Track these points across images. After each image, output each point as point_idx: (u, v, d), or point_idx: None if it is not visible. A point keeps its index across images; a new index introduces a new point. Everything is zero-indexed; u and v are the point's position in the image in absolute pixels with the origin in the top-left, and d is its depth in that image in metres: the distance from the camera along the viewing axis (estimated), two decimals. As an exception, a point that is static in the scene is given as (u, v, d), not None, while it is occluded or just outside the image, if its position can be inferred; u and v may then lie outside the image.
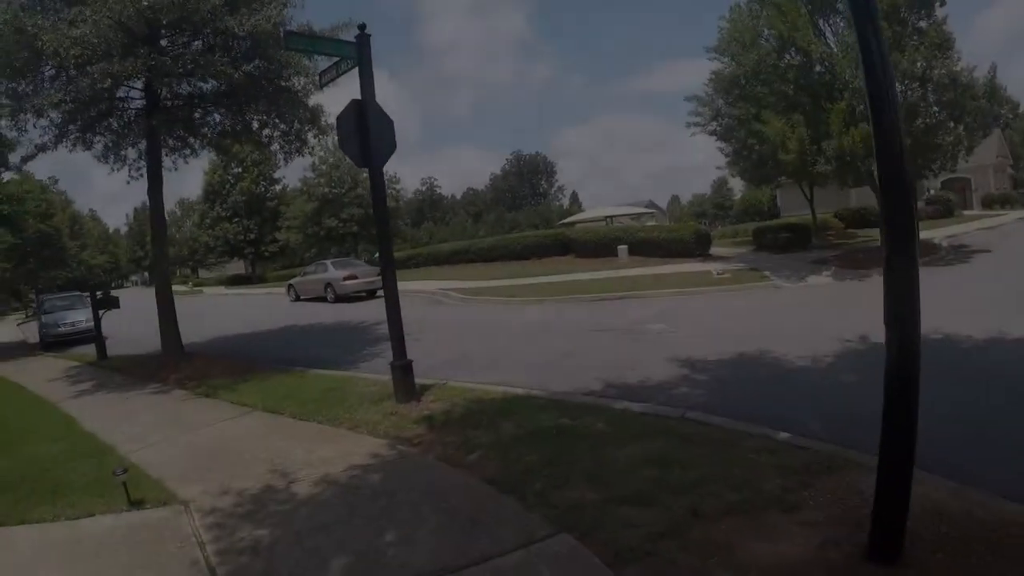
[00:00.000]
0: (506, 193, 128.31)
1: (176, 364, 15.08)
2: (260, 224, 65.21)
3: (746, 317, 16.71)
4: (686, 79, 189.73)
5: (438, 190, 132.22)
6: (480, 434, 7.55)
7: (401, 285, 31.07)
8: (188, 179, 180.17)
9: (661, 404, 8.69)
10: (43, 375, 17.13)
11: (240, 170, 63.48)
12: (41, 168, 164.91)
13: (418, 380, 9.95)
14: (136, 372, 15.54)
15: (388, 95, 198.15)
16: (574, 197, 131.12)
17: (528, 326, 18.00)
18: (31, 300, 47.62)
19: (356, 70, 9.41)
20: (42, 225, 45.45)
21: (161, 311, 16.36)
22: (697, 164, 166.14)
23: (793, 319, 15.87)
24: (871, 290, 19.19)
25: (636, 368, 11.17)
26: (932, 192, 52.07)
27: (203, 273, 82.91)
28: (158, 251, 16.95)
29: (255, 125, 16.67)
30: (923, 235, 27.85)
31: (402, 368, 9.34)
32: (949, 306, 14.08)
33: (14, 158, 18.54)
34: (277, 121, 16.42)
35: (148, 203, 16.58)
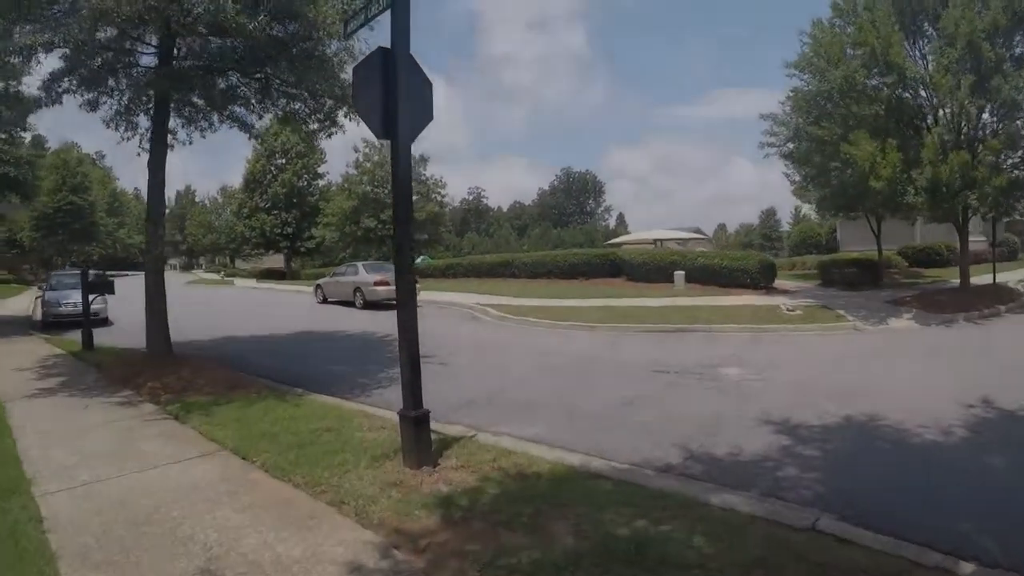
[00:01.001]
0: (553, 209, 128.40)
1: (161, 367, 12.61)
2: (299, 219, 62.95)
3: (835, 366, 13.95)
4: (736, 108, 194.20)
5: (485, 201, 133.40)
6: (519, 541, 4.96)
7: (436, 295, 28.42)
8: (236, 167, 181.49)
9: (772, 496, 6.28)
10: (15, 362, 14.93)
11: (283, 161, 61.55)
12: (91, 141, 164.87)
13: (438, 425, 7.60)
14: (115, 371, 13.25)
15: (445, 102, 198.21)
16: (620, 218, 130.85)
17: (577, 358, 15.27)
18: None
19: (388, 13, 6.87)
20: (75, 197, 43.84)
21: (149, 302, 13.96)
22: (744, 194, 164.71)
23: (891, 372, 13.16)
24: (964, 339, 17.98)
25: (720, 430, 8.75)
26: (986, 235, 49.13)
27: (240, 264, 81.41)
28: (152, 231, 14.48)
29: (279, 98, 14.31)
30: (998, 277, 26.84)
31: (415, 422, 6.62)
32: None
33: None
34: (305, 95, 14.02)
35: (148, 174, 14.15)
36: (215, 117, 15.13)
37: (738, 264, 27.52)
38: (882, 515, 5.71)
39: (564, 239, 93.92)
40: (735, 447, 7.96)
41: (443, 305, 27.87)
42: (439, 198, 51.84)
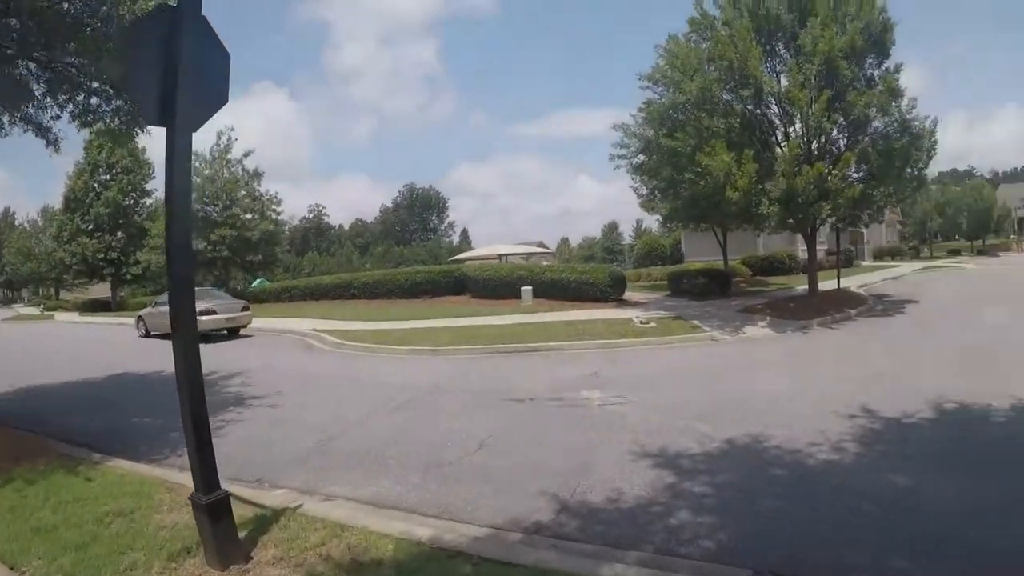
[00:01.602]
0: (396, 227, 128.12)
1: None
2: (124, 242, 55.98)
3: (701, 382, 13.34)
4: (582, 128, 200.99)
5: (326, 219, 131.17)
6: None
7: (270, 322, 26.01)
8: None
9: (671, 553, 5.52)
10: None
11: (108, 177, 55.31)
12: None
13: (257, 493, 6.50)
14: None
15: (287, 116, 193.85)
16: (464, 234, 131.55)
17: (422, 390, 13.71)
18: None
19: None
20: None
21: None
22: (587, 209, 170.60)
23: (760, 384, 12.66)
24: (823, 345, 18.16)
25: (592, 469, 7.81)
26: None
27: (64, 295, 73.95)
28: None
29: (73, 91, 11.97)
30: (841, 283, 28.18)
31: (209, 510, 4.95)
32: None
33: None
34: (108, 89, 11.78)
35: None
36: (4, 119, 12.53)
37: (587, 277, 27.07)
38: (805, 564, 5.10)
39: (407, 257, 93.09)
40: (613, 490, 7.02)
41: (276, 333, 25.84)
42: (274, 215, 48.09)
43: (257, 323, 27.36)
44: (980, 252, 74.58)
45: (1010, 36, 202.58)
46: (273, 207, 46.44)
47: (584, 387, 12.63)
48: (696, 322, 20.97)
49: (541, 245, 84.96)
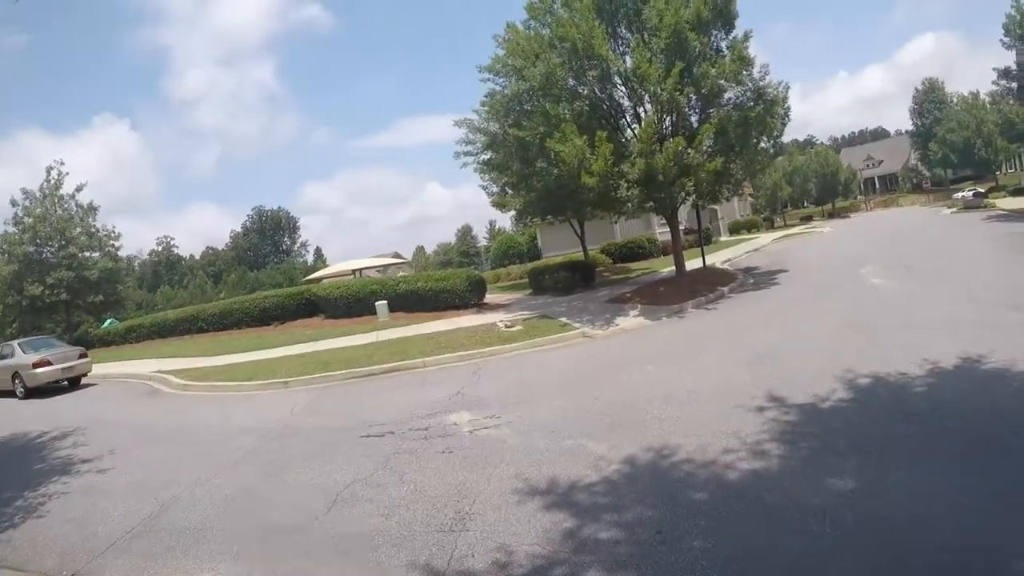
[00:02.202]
0: (248, 251, 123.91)
1: None
2: None
3: (581, 387, 12.04)
4: (426, 134, 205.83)
5: (175, 250, 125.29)
6: None
7: (114, 367, 22.63)
8: None
9: None
10: None
11: None
12: None
13: None
14: None
15: (129, 149, 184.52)
16: (318, 253, 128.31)
17: (272, 433, 11.92)
18: None
19: None
20: None
21: None
22: (440, 215, 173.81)
23: (649, 382, 11.55)
24: (703, 328, 17.27)
25: (470, 521, 6.61)
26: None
27: None
28: None
29: None
30: (702, 261, 28.32)
31: None
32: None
33: None
34: None
35: None
36: None
37: (445, 285, 25.54)
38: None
39: (263, 281, 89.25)
40: (500, 548, 5.84)
41: (119, 379, 22.95)
42: (113, 251, 43.53)
43: (100, 369, 24.74)
44: (831, 215, 78.58)
45: (830, 11, 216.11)
46: (112, 242, 42.37)
47: (451, 409, 11.29)
48: (564, 319, 19.95)
49: (397, 255, 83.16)
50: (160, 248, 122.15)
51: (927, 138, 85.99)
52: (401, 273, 43.56)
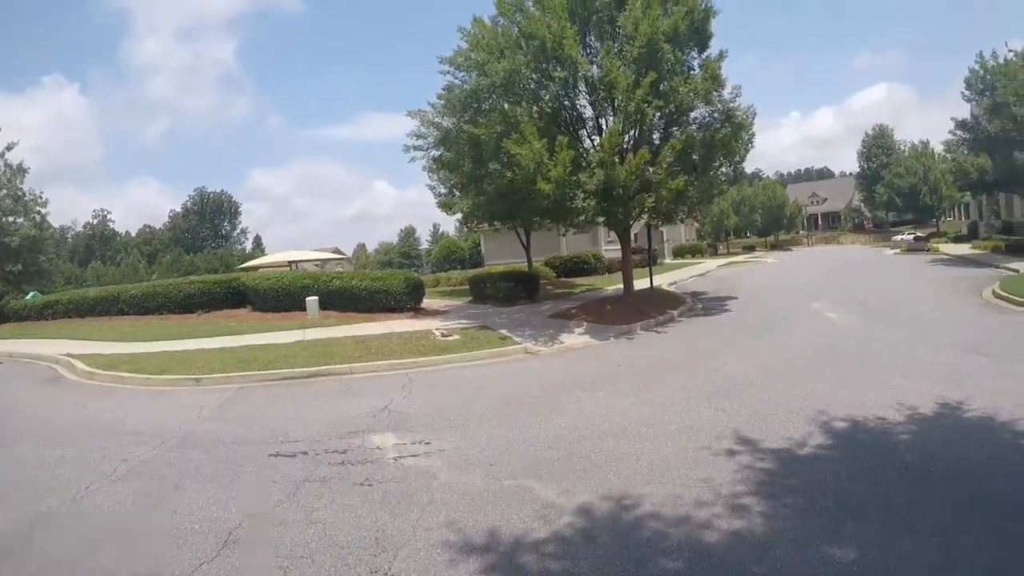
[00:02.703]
0: (186, 233, 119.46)
1: None
2: None
3: (524, 413, 10.70)
4: (380, 132, 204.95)
5: (111, 225, 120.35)
6: None
7: (22, 345, 20.02)
8: None
9: None
10: None
11: None
12: None
13: None
14: None
15: (76, 114, 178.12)
16: (257, 241, 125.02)
17: (171, 441, 10.25)
18: None
19: None
20: None
21: None
22: (385, 214, 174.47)
23: (601, 413, 10.31)
24: (656, 353, 16.18)
25: None
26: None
27: None
28: None
29: None
30: (649, 281, 26.99)
31: None
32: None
33: None
34: None
35: None
36: None
37: (381, 285, 24.10)
38: None
39: (198, 265, 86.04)
40: None
41: (25, 359, 20.76)
42: (38, 218, 40.15)
43: (6, 346, 22.94)
44: (774, 247, 79.69)
45: (796, 49, 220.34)
46: (38, 208, 39.28)
47: (375, 429, 9.93)
48: (505, 332, 18.76)
49: (337, 251, 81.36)
50: (96, 221, 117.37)
51: (872, 181, 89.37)
52: (339, 269, 41.92)
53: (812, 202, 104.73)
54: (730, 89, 21.29)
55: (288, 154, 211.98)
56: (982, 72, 37.99)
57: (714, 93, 20.55)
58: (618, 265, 43.07)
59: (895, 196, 74.40)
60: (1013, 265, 30.75)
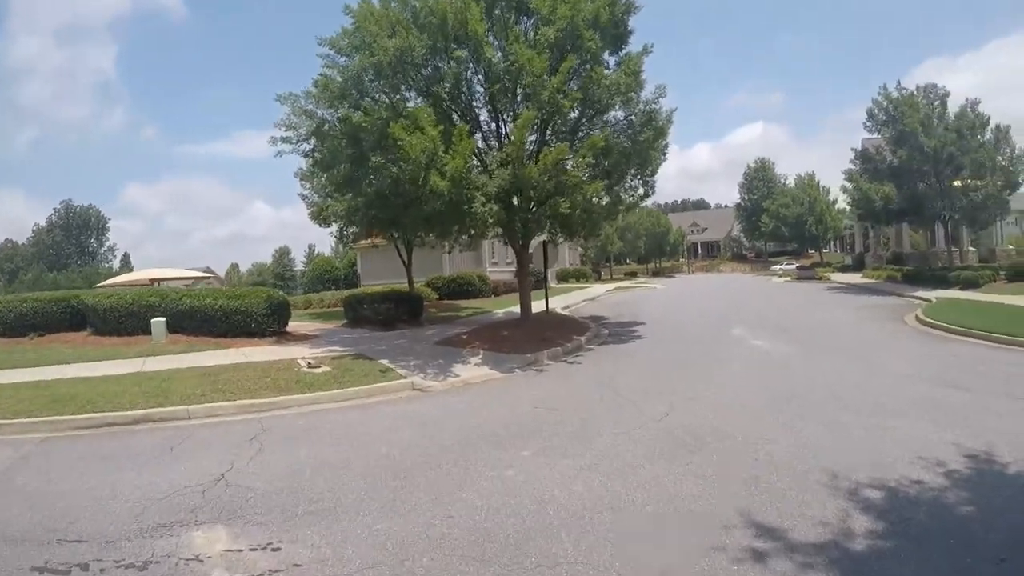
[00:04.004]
0: (50, 249, 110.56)
1: None
2: None
3: (416, 484, 7.55)
4: (262, 150, 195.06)
5: None
6: None
7: None
8: None
9: None
10: None
11: None
12: None
13: None
14: None
15: None
16: (126, 259, 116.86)
17: None
18: None
19: None
20: None
21: None
22: (262, 235, 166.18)
23: (528, 483, 7.35)
24: (576, 392, 13.04)
25: None
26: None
27: None
28: None
29: None
30: (545, 304, 24.59)
31: None
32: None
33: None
34: None
35: None
36: None
37: (238, 305, 20.37)
38: None
39: (62, 283, 78.68)
40: None
41: None
42: None
43: None
44: (656, 273, 79.70)
45: (673, 87, 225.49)
46: None
47: (200, 519, 6.58)
48: (387, 362, 15.50)
49: (208, 271, 76.26)
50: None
51: (752, 212, 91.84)
52: (201, 287, 37.57)
53: (693, 231, 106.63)
54: (654, 88, 18.93)
55: (163, 169, 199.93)
56: (885, 103, 38.37)
57: (634, 93, 18.09)
58: (504, 288, 40.71)
59: (781, 225, 76.10)
60: (919, 294, 30.22)
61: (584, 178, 16.39)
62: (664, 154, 19.85)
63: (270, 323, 20.23)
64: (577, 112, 18.00)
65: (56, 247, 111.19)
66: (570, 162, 16.71)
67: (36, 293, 27.70)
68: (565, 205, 16.20)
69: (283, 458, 8.79)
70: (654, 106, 18.83)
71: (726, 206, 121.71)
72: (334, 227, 29.56)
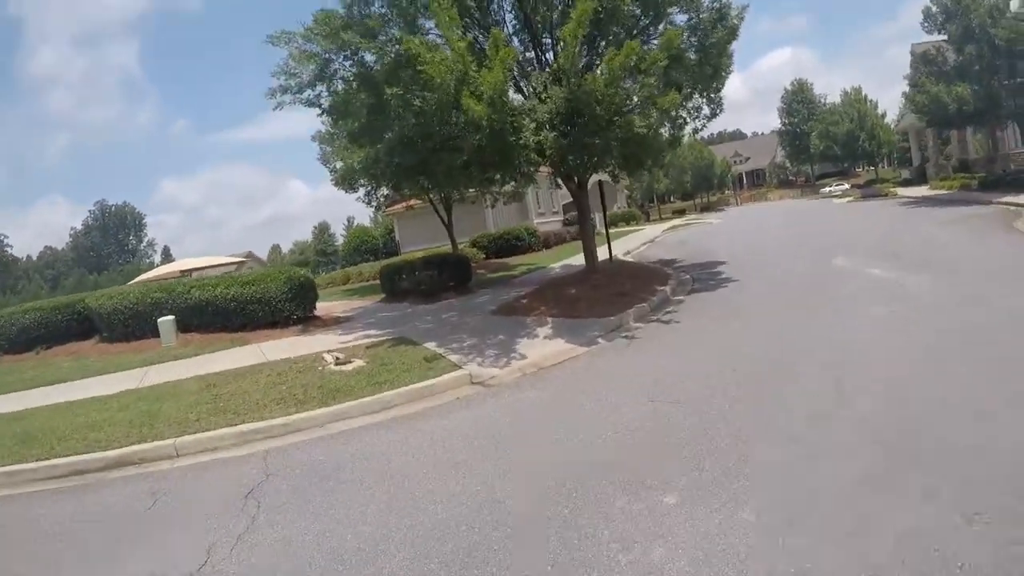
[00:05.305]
0: (89, 252, 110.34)
1: None
2: None
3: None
4: (291, 129, 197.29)
5: (8, 250, 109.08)
6: None
7: None
8: None
9: None
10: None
11: None
12: None
13: None
14: None
15: None
16: (166, 252, 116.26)
17: None
18: None
19: None
20: None
21: None
22: (300, 213, 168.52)
23: (652, 563, 4.16)
24: (691, 368, 9.22)
25: None
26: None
27: None
28: None
29: None
30: (608, 252, 20.69)
31: None
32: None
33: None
34: None
35: None
36: None
37: (254, 291, 17.00)
38: None
39: (103, 285, 77.29)
40: None
41: None
42: None
43: None
44: (705, 208, 75.81)
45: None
46: None
47: None
48: (434, 345, 12.14)
49: (251, 255, 73.94)
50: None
51: (795, 136, 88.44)
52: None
53: (736, 161, 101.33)
54: None
55: (196, 161, 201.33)
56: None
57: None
58: (554, 239, 37.16)
59: (832, 144, 71.20)
60: (1007, 199, 26.20)
61: (654, 90, 12.59)
62: (732, 64, 16.09)
63: (293, 309, 16.88)
64: (639, 8, 14.23)
65: (95, 249, 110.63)
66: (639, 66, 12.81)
67: (38, 301, 24.44)
68: (640, 123, 12.37)
69: (285, 536, 5.56)
70: (724, 0, 15.01)
71: (762, 134, 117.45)
72: (361, 192, 26.32)
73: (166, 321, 16.98)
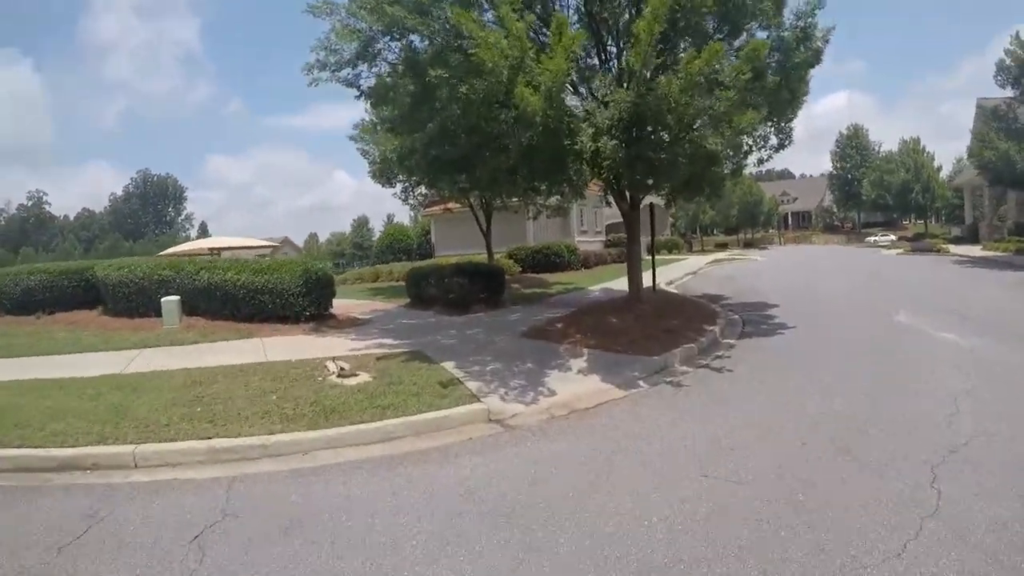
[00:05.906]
0: (127, 218, 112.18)
1: None
2: None
3: None
4: (341, 120, 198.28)
5: (47, 208, 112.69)
6: None
7: None
8: None
9: None
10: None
11: None
12: None
13: None
14: None
15: (29, 91, 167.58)
16: (203, 228, 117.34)
17: None
18: None
19: None
20: None
21: None
22: (342, 204, 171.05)
23: None
24: (753, 435, 7.54)
25: None
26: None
27: None
28: None
29: None
30: (652, 280, 19.30)
31: None
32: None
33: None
34: None
35: None
36: None
37: (267, 281, 15.68)
38: None
39: (136, 252, 77.72)
40: None
41: None
42: None
43: None
44: (747, 244, 74.31)
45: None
46: None
47: None
48: (452, 366, 10.74)
49: (287, 241, 73.42)
50: (30, 203, 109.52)
51: (846, 181, 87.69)
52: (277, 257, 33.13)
53: (783, 200, 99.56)
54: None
55: (248, 141, 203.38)
56: (1021, 52, 32.15)
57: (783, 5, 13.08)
58: (594, 259, 35.66)
59: (885, 193, 69.20)
60: None
61: (731, 103, 10.98)
62: (808, 91, 14.53)
63: (306, 304, 15.55)
64: (715, 20, 12.73)
65: (133, 216, 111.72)
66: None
67: (47, 264, 23.32)
68: (714, 140, 10.84)
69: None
70: (810, 19, 13.42)
71: (811, 176, 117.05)
72: (398, 187, 25.05)
73: (170, 301, 15.78)
